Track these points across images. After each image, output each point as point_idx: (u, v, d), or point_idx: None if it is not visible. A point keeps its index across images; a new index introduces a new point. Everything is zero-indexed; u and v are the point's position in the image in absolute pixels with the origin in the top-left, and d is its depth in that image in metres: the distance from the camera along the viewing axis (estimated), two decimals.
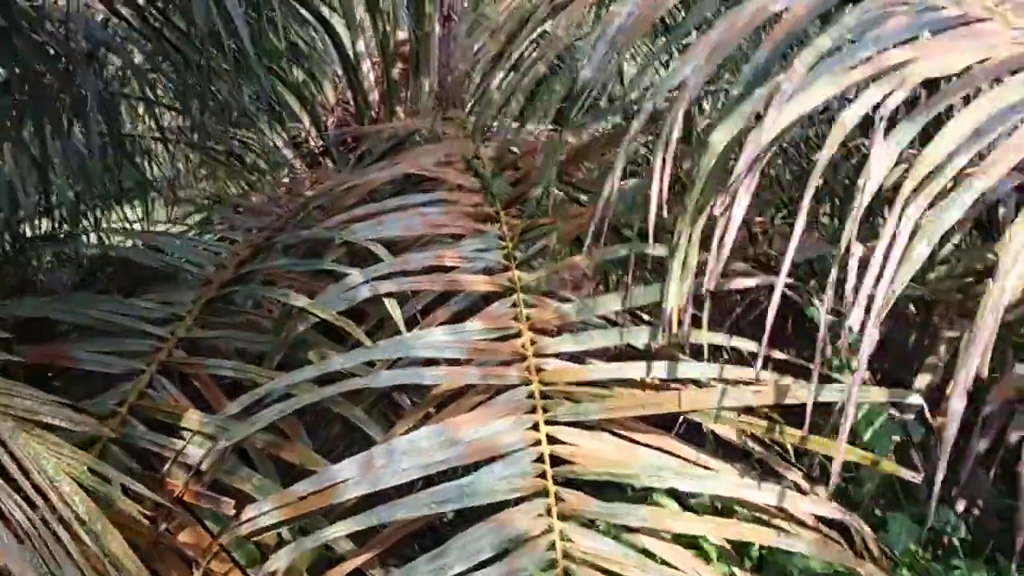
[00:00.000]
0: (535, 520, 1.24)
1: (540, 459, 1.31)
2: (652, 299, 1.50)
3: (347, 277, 1.59)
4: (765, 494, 1.23)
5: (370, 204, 1.86)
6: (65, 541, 1.17)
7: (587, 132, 1.95)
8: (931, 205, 1.03)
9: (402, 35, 3.92)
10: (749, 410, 1.32)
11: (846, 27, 1.20)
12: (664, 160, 1.24)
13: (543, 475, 1.29)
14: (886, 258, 1.00)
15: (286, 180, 3.14)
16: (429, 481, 1.32)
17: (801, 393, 1.25)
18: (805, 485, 1.31)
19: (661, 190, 1.24)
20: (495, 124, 2.06)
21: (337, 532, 1.24)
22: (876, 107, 1.10)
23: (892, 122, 1.08)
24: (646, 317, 1.56)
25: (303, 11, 3.34)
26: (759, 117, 1.17)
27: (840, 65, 1.16)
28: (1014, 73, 1.11)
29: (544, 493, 1.27)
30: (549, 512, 1.25)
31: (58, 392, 1.68)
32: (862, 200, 1.04)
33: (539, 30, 2.00)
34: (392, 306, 1.56)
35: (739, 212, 1.17)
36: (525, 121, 2.08)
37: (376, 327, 1.71)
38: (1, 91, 2.05)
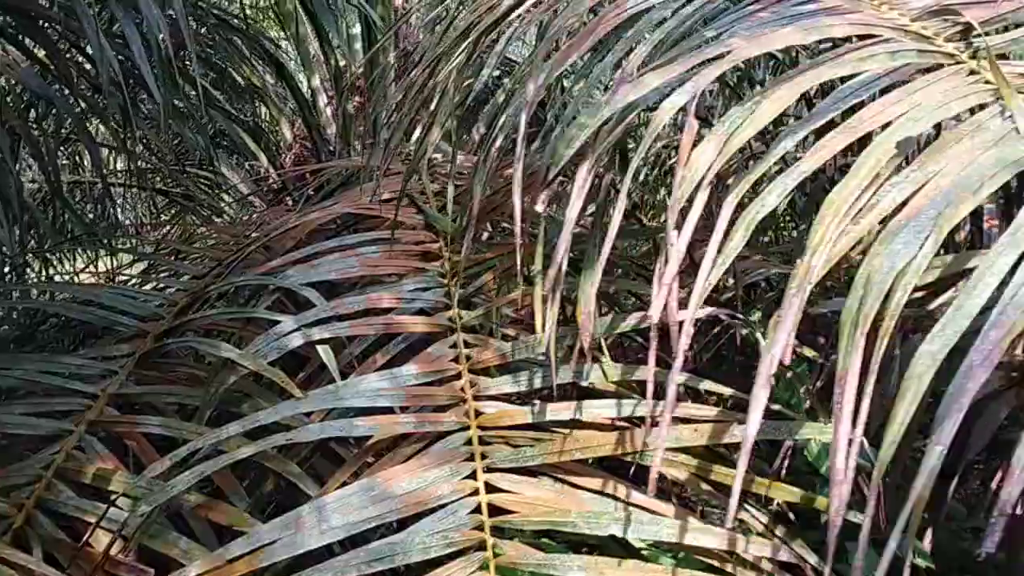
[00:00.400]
0: (472, 575, 1.18)
1: (477, 509, 1.25)
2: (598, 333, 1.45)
3: (278, 325, 1.53)
4: (711, 538, 1.16)
5: (307, 247, 1.81)
6: None
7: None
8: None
9: (358, 69, 3.89)
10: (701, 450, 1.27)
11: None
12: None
13: (480, 527, 1.22)
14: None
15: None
16: (365, 539, 1.25)
17: (739, 432, 1.20)
18: (758, 525, 1.25)
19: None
20: (437, 155, 2.01)
21: None
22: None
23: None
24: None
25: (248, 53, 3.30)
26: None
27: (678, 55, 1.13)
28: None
29: (481, 546, 1.21)
30: (487, 566, 1.18)
31: None
32: (682, 191, 0.98)
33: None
34: (326, 353, 1.51)
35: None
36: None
37: (315, 373, 1.65)
38: None
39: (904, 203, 0.88)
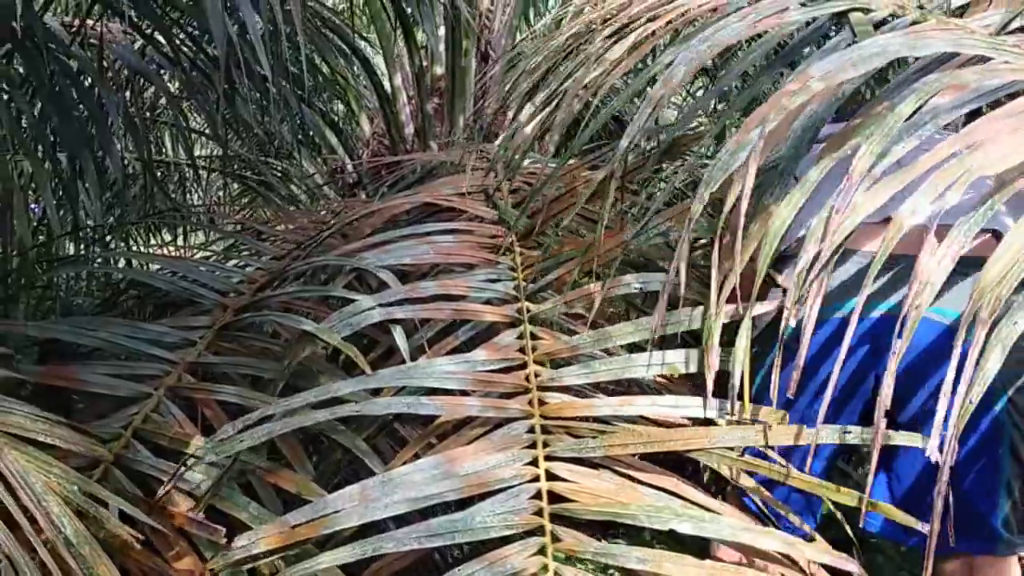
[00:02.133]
0: (530, 559, 1.19)
1: (537, 495, 1.27)
2: (664, 332, 1.46)
3: (355, 302, 1.57)
4: (768, 539, 1.17)
5: (384, 232, 1.85)
6: (50, 562, 1.15)
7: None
8: None
9: (440, 70, 3.96)
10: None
11: (901, 115, 1.16)
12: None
13: (539, 512, 1.24)
14: None
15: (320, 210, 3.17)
16: (425, 515, 1.28)
17: (807, 435, 1.20)
18: (812, 532, 1.25)
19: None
20: (519, 158, 2.05)
21: (324, 563, 1.20)
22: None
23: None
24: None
25: (342, 45, 3.36)
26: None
27: (897, 159, 1.12)
28: None
29: (540, 531, 1.23)
30: (544, 551, 1.20)
31: (75, 414, 1.70)
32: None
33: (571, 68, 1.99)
34: (398, 333, 1.54)
35: (814, 311, 1.13)
36: (556, 157, 2.08)
37: (383, 356, 1.69)
38: (38, 117, 2.09)
39: None
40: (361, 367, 1.47)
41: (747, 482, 1.30)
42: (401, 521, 1.28)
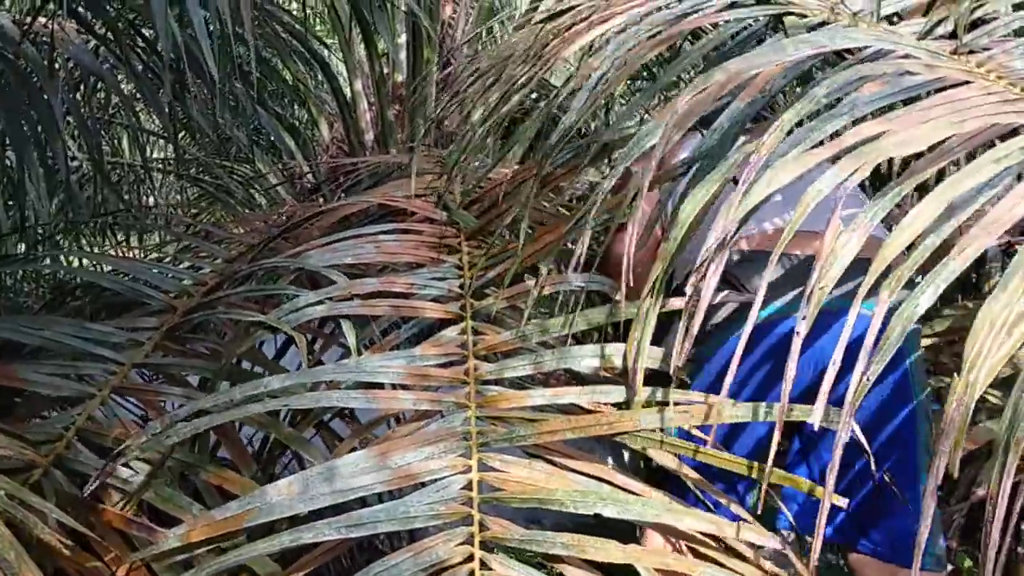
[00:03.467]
0: (456, 547, 1.21)
1: (468, 487, 1.28)
2: (597, 322, 1.49)
3: (299, 297, 1.59)
4: (691, 520, 1.19)
5: (330, 235, 1.87)
6: None
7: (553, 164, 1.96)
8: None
9: (401, 78, 3.98)
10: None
11: (816, 97, 1.19)
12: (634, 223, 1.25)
13: (468, 502, 1.26)
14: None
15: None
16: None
17: (729, 414, 1.23)
18: (743, 515, 1.27)
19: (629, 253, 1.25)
20: (469, 160, 2.07)
21: (247, 554, 1.21)
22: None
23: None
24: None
25: (301, 49, 3.38)
26: (735, 181, 1.16)
27: (809, 139, 1.15)
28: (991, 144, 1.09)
29: (468, 521, 1.24)
30: (471, 540, 1.22)
31: (16, 413, 1.69)
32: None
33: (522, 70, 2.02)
34: (347, 327, 1.56)
35: (707, 293, 1.16)
36: (502, 157, 2.10)
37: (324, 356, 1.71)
38: None
39: None
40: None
41: (675, 466, 1.32)
42: (340, 513, 1.30)
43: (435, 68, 3.84)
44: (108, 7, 2.13)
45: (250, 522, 1.23)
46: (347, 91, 3.77)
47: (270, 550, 1.20)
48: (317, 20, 4.51)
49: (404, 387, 1.45)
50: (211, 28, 1.79)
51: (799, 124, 1.20)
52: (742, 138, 1.30)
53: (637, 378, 1.29)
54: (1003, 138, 1.11)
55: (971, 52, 1.38)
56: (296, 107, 3.81)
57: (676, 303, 1.36)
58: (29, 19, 2.21)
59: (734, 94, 1.28)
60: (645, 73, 3.11)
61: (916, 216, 1.00)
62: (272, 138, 3.30)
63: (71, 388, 1.66)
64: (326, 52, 3.63)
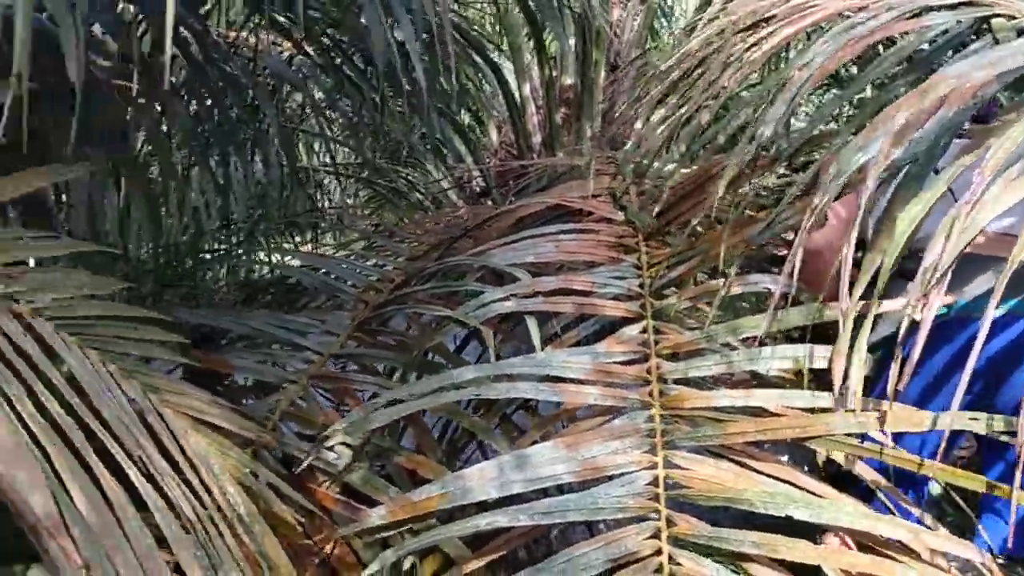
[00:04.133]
0: (644, 541, 1.24)
1: (653, 482, 1.31)
2: (793, 324, 1.47)
3: (486, 293, 1.65)
4: (888, 526, 1.17)
5: (509, 235, 1.93)
6: (227, 538, 1.26)
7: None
8: None
9: (569, 80, 4.03)
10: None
11: None
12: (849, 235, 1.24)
13: (655, 498, 1.28)
14: None
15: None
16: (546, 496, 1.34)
17: (922, 419, 1.20)
18: (929, 521, 1.24)
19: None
20: (646, 163, 2.08)
21: (443, 535, 1.28)
22: None
23: None
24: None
25: (476, 56, 3.47)
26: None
27: None
28: None
29: (655, 515, 1.26)
30: (658, 535, 1.24)
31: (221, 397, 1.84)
32: None
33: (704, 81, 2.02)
34: (531, 323, 1.61)
35: (930, 315, 1.14)
36: (683, 161, 2.11)
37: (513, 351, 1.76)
38: (193, 122, 2.26)
39: None
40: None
41: (864, 472, 1.30)
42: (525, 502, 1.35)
43: (602, 70, 3.86)
44: (313, 20, 2.26)
45: (445, 505, 1.29)
46: (516, 96, 3.84)
47: (465, 532, 1.26)
48: (487, 25, 4.62)
49: (588, 383, 1.48)
50: (408, 38, 1.87)
51: None
52: (954, 144, 1.26)
53: (853, 384, 1.26)
54: None
55: None
56: (463, 111, 3.92)
57: (890, 306, 1.33)
58: (234, 33, 2.39)
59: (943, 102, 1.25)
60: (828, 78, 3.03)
61: None
62: (442, 142, 3.42)
63: (274, 375, 1.79)
64: (495, 56, 3.71)
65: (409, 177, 3.67)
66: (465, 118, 4.42)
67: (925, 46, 1.64)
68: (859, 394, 1.25)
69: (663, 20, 4.47)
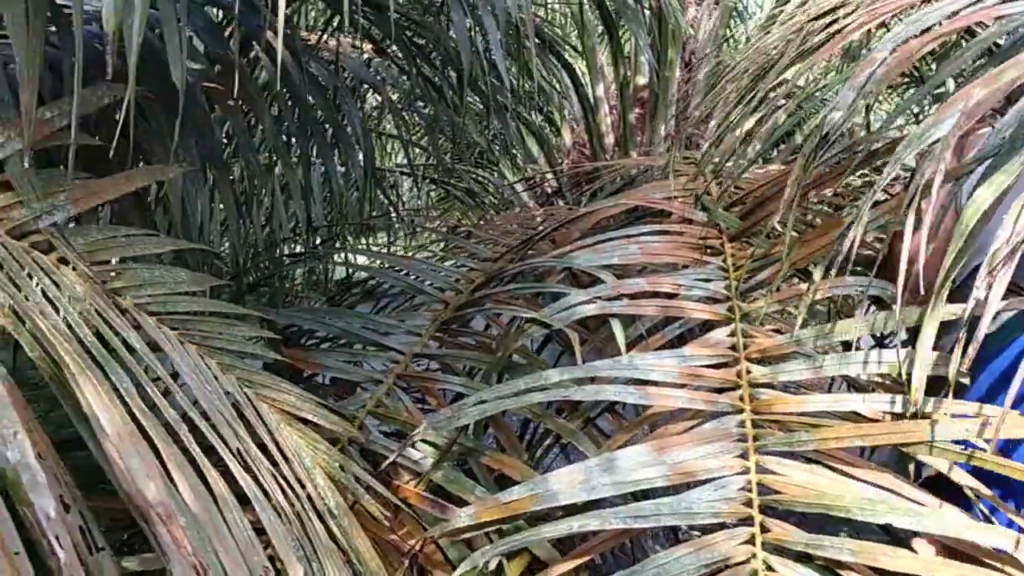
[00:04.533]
0: (738, 547, 1.22)
1: (746, 487, 1.29)
2: (879, 328, 1.45)
3: (570, 295, 1.65)
4: (996, 537, 1.13)
5: (593, 236, 1.92)
6: (320, 531, 1.29)
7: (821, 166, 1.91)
8: None
9: (642, 80, 4.01)
10: None
11: None
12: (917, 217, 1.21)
13: (749, 503, 1.27)
14: None
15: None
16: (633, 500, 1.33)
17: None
18: None
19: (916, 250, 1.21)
20: (727, 163, 2.06)
21: (534, 537, 1.28)
22: None
23: None
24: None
25: (551, 57, 3.48)
26: None
27: None
28: None
29: (748, 521, 1.25)
30: (752, 540, 1.22)
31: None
32: None
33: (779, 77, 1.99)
34: (616, 325, 1.61)
35: (996, 298, 1.11)
36: (761, 161, 2.08)
37: (592, 353, 1.76)
38: (275, 121, 2.30)
39: None
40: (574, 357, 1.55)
41: (965, 479, 1.26)
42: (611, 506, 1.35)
43: (677, 69, 3.84)
44: (396, 27, 2.29)
45: (536, 507, 1.29)
46: (590, 96, 3.84)
47: (556, 534, 1.26)
48: (561, 24, 4.63)
49: (676, 386, 1.47)
50: (494, 40, 1.88)
51: None
52: None
53: (917, 385, 1.23)
54: None
55: None
56: (536, 112, 3.94)
57: (955, 309, 1.30)
58: (315, 36, 2.42)
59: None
60: (906, 74, 2.97)
61: None
62: (515, 144, 3.43)
63: (360, 374, 1.81)
64: (569, 56, 3.71)
65: (480, 178, 3.69)
66: (537, 118, 4.43)
67: (1005, 38, 1.59)
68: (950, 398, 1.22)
69: (738, 18, 4.41)
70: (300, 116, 2.14)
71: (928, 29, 1.40)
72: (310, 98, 2.06)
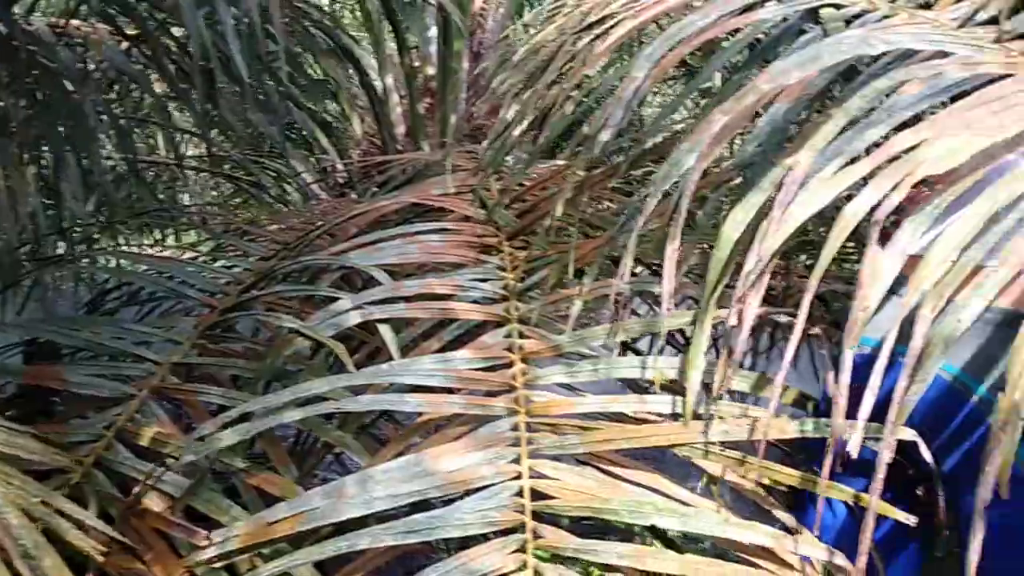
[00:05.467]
0: (509, 556, 1.19)
1: (520, 493, 1.26)
2: (647, 330, 1.46)
3: (336, 302, 1.57)
4: (752, 534, 1.16)
5: (371, 233, 1.85)
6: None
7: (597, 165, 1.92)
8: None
9: (432, 71, 3.96)
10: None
11: (850, 110, 1.17)
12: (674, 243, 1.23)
13: (521, 509, 1.24)
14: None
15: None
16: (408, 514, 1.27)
17: (791, 428, 1.20)
18: (798, 527, 1.24)
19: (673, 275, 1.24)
20: (508, 158, 2.04)
21: (299, 560, 1.19)
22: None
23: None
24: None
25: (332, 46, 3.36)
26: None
27: (844, 155, 1.12)
28: None
29: (520, 528, 1.22)
30: (524, 548, 1.20)
31: (57, 415, 1.69)
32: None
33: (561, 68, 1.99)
34: (386, 331, 1.54)
35: (751, 313, 1.14)
36: (536, 154, 2.08)
37: (369, 356, 1.68)
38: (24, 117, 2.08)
39: None
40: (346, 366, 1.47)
41: (737, 479, 1.29)
42: (384, 520, 1.28)
43: (465, 60, 3.81)
44: (139, 9, 2.11)
45: (301, 526, 1.21)
46: (379, 86, 3.74)
47: (323, 556, 1.18)
48: (347, 15, 4.50)
49: (452, 391, 1.42)
50: (241, 26, 1.77)
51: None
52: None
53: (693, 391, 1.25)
54: None
55: (1017, 38, 1.31)
56: (329, 103, 3.81)
57: (722, 313, 1.32)
58: (63, 22, 2.21)
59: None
60: (680, 66, 3.07)
61: (957, 229, 0.97)
62: (305, 134, 3.30)
63: (111, 388, 1.65)
64: (358, 47, 3.60)
65: (272, 170, 3.52)
66: (332, 108, 4.29)
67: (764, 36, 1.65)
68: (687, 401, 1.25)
69: (531, 5, 4.45)
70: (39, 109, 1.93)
71: (684, 39, 1.42)
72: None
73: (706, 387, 1.30)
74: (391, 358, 1.51)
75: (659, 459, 1.37)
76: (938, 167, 1.02)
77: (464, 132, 3.94)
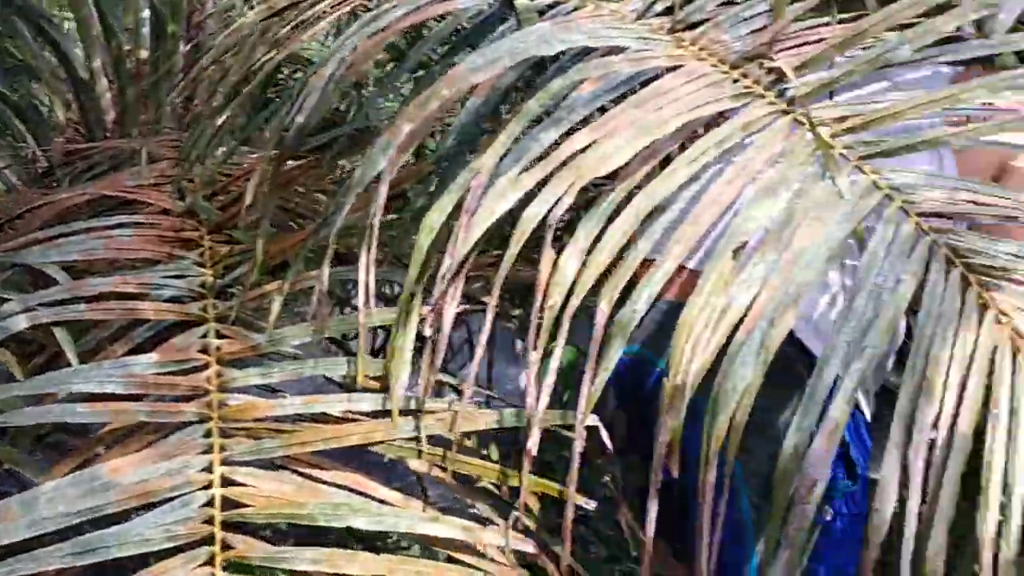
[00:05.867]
0: (195, 571, 1.12)
1: (211, 503, 1.19)
2: (349, 328, 1.44)
3: (10, 302, 1.41)
4: (446, 528, 1.17)
5: (55, 227, 1.68)
6: None
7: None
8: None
9: (145, 54, 3.70)
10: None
11: (531, 112, 1.21)
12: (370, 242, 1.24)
13: (210, 520, 1.17)
14: None
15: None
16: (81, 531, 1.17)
17: (483, 419, 1.22)
18: (498, 517, 1.26)
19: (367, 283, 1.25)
20: (211, 146, 1.93)
21: None
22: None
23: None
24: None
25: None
26: None
27: (525, 157, 1.16)
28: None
29: (209, 540, 1.15)
30: (212, 561, 1.13)
31: None
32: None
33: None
34: (62, 336, 1.40)
35: (450, 313, 1.18)
36: (241, 142, 1.99)
37: (50, 361, 1.53)
38: None
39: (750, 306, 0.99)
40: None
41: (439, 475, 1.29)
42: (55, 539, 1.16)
43: (181, 43, 3.59)
44: None
45: None
46: (85, 70, 3.45)
47: None
48: None
49: (137, 397, 1.32)
50: None
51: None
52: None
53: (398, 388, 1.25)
54: (707, 127, 1.17)
55: (688, 28, 1.40)
56: (29, 87, 3.46)
57: (424, 311, 1.32)
58: None
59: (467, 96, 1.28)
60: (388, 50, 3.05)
61: (618, 228, 1.04)
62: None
63: None
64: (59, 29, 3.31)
65: None
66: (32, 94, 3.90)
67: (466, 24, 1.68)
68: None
69: None
70: None
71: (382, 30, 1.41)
72: None
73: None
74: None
75: (391, 465, 1.34)
76: (606, 167, 1.07)
77: (184, 120, 3.72)
